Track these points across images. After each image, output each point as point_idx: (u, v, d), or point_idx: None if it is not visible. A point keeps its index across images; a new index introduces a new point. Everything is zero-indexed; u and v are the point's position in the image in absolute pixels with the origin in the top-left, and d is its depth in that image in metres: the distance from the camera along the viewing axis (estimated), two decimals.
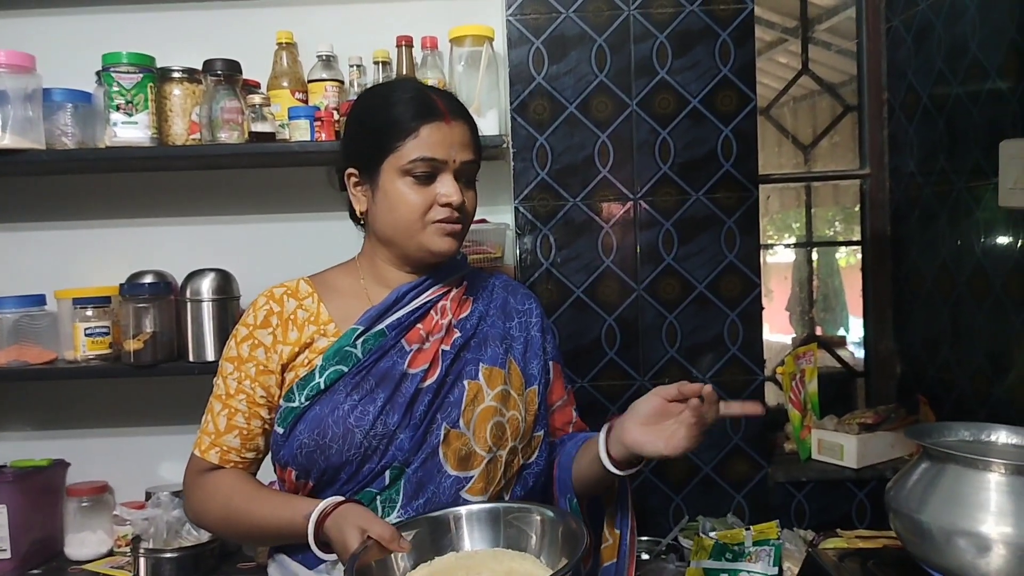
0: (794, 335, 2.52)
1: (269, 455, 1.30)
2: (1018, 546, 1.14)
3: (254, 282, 2.02)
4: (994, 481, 1.19)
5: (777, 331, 2.52)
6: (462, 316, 1.32)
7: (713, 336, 2.00)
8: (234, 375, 1.27)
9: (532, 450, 1.32)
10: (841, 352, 2.41)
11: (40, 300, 2.03)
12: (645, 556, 1.87)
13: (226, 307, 1.96)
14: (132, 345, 1.90)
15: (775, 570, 1.60)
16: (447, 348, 1.27)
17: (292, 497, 1.24)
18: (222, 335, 1.94)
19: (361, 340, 1.25)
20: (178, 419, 2.15)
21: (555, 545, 1.11)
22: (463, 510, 1.17)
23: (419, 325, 1.29)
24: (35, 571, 1.99)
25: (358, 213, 1.31)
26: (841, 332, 2.58)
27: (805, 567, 1.47)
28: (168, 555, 1.89)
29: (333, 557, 1.15)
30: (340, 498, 1.18)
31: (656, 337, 2.00)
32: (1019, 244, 1.65)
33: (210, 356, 1.94)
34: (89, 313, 1.94)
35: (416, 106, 1.23)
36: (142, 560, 1.89)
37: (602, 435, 1.25)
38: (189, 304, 1.94)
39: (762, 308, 2.02)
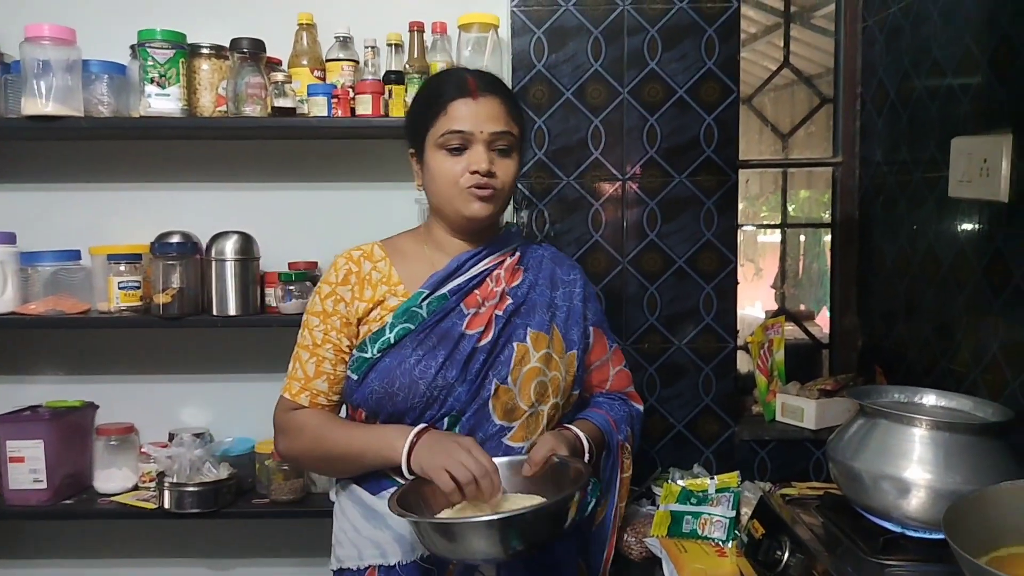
0: (772, 309, 2.69)
1: None
2: (933, 489, 1.31)
3: (273, 245, 2.20)
4: (917, 435, 1.36)
5: (769, 306, 2.67)
6: (514, 284, 1.48)
7: (690, 307, 2.17)
8: (320, 327, 1.43)
9: (570, 405, 1.50)
10: (812, 326, 2.59)
11: (76, 255, 2.17)
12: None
13: (247, 267, 2.12)
14: (161, 299, 2.06)
15: (733, 513, 1.80)
16: (500, 313, 1.43)
17: (380, 426, 1.40)
18: (243, 292, 2.10)
19: (426, 302, 1.41)
20: (201, 368, 2.32)
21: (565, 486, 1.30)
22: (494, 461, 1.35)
23: (476, 291, 1.44)
24: (68, 501, 2.15)
25: (416, 187, 1.49)
26: (816, 307, 2.74)
27: (757, 509, 1.66)
28: (190, 489, 2.06)
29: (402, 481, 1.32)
30: (424, 425, 1.35)
31: (638, 306, 2.18)
32: (963, 231, 1.83)
33: (232, 311, 2.09)
34: (122, 268, 2.09)
35: (449, 87, 1.40)
36: (167, 493, 2.06)
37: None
38: (214, 263, 2.10)
39: (736, 283, 2.19)
